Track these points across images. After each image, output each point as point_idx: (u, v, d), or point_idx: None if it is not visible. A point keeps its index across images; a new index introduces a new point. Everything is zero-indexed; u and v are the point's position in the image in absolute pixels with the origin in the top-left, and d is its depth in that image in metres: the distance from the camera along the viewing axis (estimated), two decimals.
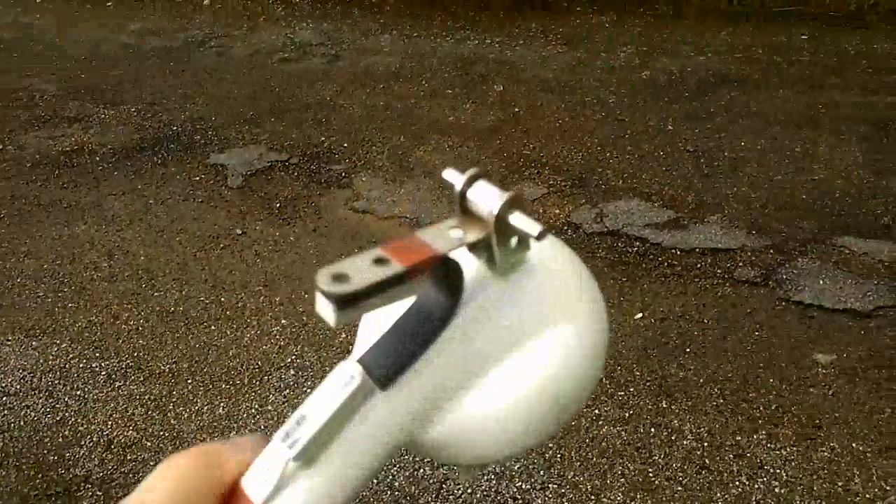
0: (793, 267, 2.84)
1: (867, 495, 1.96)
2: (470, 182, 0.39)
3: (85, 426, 2.40)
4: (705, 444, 2.14)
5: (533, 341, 0.40)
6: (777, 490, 1.99)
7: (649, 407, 2.28)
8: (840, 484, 1.99)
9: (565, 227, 3.18)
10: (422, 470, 2.13)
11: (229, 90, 4.94)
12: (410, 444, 0.39)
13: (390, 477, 2.12)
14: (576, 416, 0.38)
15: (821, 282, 2.75)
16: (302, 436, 0.35)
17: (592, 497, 2.02)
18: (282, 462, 0.35)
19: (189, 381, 2.53)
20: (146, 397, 2.49)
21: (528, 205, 0.38)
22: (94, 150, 4.21)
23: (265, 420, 2.32)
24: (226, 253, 3.20)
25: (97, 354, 2.69)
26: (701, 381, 2.36)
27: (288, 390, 2.41)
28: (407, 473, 2.13)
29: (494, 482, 2.08)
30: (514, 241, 0.39)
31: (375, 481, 2.10)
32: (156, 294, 2.98)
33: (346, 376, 0.36)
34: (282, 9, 6.67)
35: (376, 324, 0.41)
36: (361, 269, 0.34)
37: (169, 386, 2.52)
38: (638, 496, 2.01)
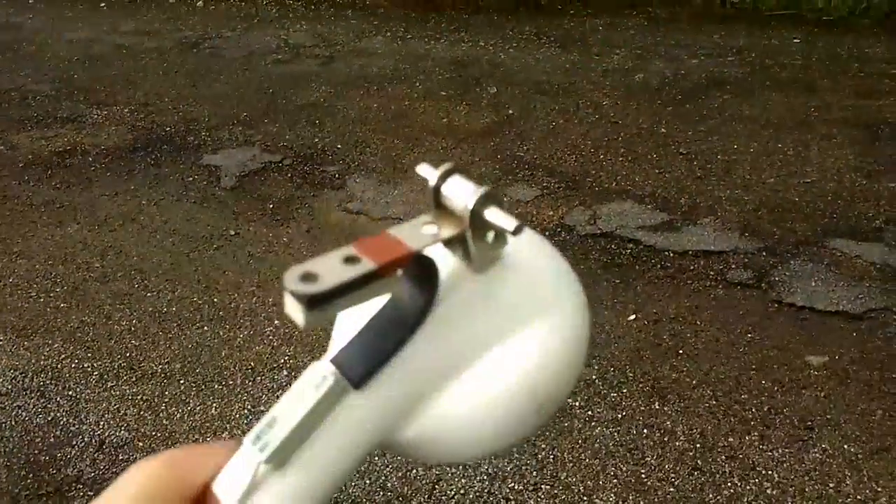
0: (785, 269, 2.85)
1: (858, 496, 1.96)
2: (444, 177, 0.38)
3: (77, 426, 2.40)
4: (698, 445, 2.15)
5: (510, 338, 0.39)
6: (769, 491, 2.00)
7: (642, 408, 2.29)
8: (832, 485, 2.00)
9: (559, 229, 3.19)
10: (415, 471, 2.13)
11: (223, 91, 4.93)
12: (386, 444, 0.38)
13: (383, 478, 2.12)
14: (556, 412, 0.38)
15: (813, 284, 2.76)
16: (273, 438, 0.34)
17: (585, 498, 2.02)
18: (253, 465, 0.34)
19: (181, 382, 2.53)
20: (138, 398, 2.48)
21: (503, 199, 0.37)
22: (87, 151, 4.20)
23: (258, 421, 2.31)
24: (219, 254, 3.19)
25: (89, 355, 2.68)
26: (694, 382, 2.37)
27: (281, 391, 2.41)
28: (400, 474, 2.12)
29: (487, 483, 2.08)
30: (490, 236, 0.38)
31: (368, 482, 2.10)
32: (148, 294, 2.97)
33: (318, 377, 0.35)
34: (276, 10, 6.66)
35: (351, 323, 0.40)
36: (331, 268, 0.33)
37: (161, 386, 2.52)
38: (630, 497, 2.01)
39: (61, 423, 2.42)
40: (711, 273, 2.86)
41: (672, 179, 3.51)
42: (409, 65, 5.16)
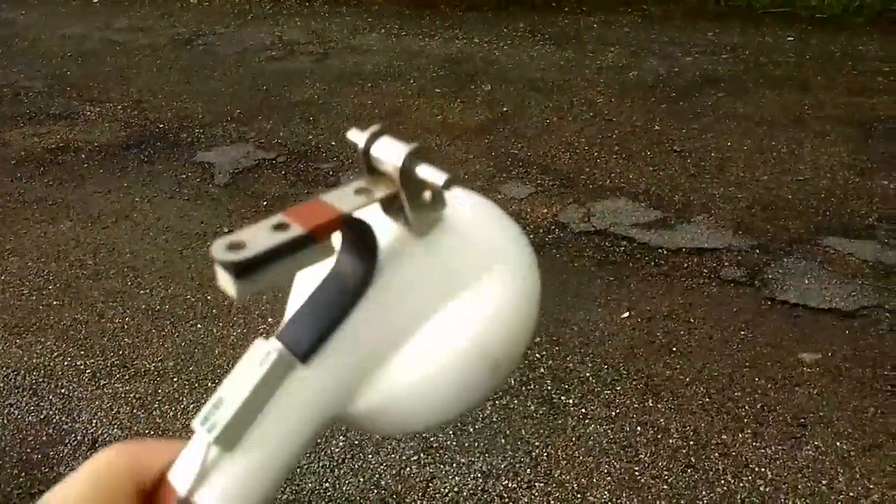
0: (778, 266, 2.86)
1: (851, 493, 1.97)
2: (373, 139, 0.38)
3: (69, 425, 2.39)
4: (691, 442, 2.15)
5: (458, 299, 0.38)
6: (762, 488, 2.00)
7: (635, 406, 2.29)
8: (824, 482, 2.01)
9: (553, 227, 3.19)
10: (408, 468, 2.13)
11: (217, 88, 4.92)
12: (340, 418, 0.37)
13: (377, 476, 2.12)
14: (510, 373, 0.38)
15: (806, 281, 2.76)
16: (220, 419, 0.33)
17: (578, 495, 2.02)
18: (203, 447, 0.33)
19: (175, 380, 2.52)
20: (131, 396, 2.47)
21: (434, 156, 0.37)
22: (80, 148, 4.19)
23: None
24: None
25: (82, 353, 2.68)
26: (687, 380, 2.37)
27: None
28: (393, 472, 2.12)
29: (481, 481, 2.08)
30: (426, 196, 0.38)
31: (362, 480, 2.10)
32: (141, 292, 2.96)
33: (262, 353, 0.35)
34: (270, 7, 6.65)
35: (302, 300, 0.39)
36: (259, 236, 0.32)
37: (154, 384, 2.51)
38: (624, 495, 2.02)
39: (54, 421, 2.41)
40: (705, 270, 2.87)
41: (666, 177, 3.51)
42: (403, 62, 5.15)
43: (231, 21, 6.31)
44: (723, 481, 2.03)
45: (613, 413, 2.27)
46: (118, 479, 0.35)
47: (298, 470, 2.15)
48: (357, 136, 0.38)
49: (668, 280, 2.83)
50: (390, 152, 0.37)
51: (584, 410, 2.29)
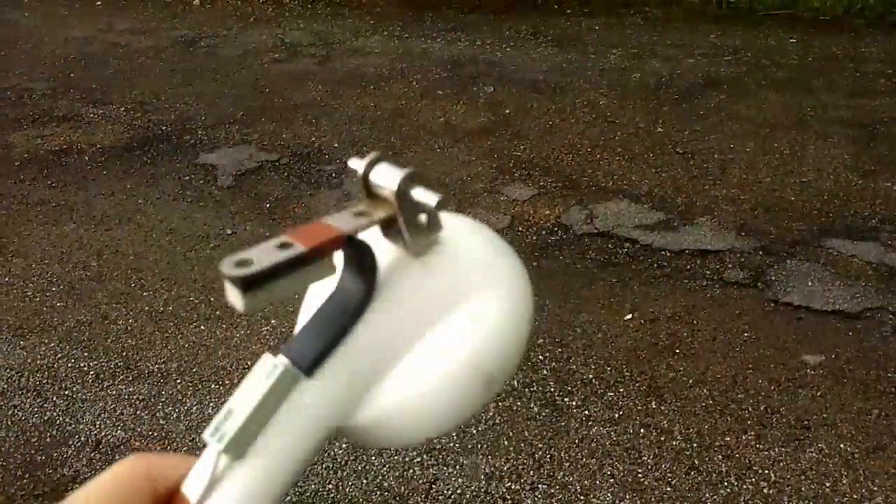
0: (782, 268, 2.85)
1: (854, 496, 1.97)
2: (371, 165, 0.40)
3: (73, 426, 2.39)
4: (694, 444, 2.15)
5: (453, 316, 0.40)
6: (765, 491, 2.00)
7: (639, 407, 2.29)
8: (828, 484, 2.00)
9: (555, 229, 3.19)
10: (411, 470, 2.13)
11: (219, 90, 4.92)
12: (343, 431, 0.39)
13: (380, 477, 2.12)
14: (504, 386, 0.40)
15: (809, 283, 2.76)
16: (229, 429, 0.35)
17: (582, 497, 2.02)
18: (213, 457, 0.35)
19: (178, 381, 2.52)
20: (135, 397, 2.48)
21: (428, 180, 0.39)
22: (83, 150, 4.19)
23: None
24: (216, 253, 3.18)
25: (85, 354, 2.68)
26: (690, 381, 2.37)
27: None
28: (397, 474, 2.13)
29: (484, 483, 2.08)
30: (422, 219, 0.40)
31: (365, 482, 2.10)
32: (145, 294, 2.97)
33: (269, 366, 0.37)
34: (272, 9, 6.65)
35: (308, 316, 0.41)
36: (264, 254, 0.34)
37: (158, 386, 2.51)
38: (627, 497, 2.01)
39: (57, 422, 2.41)
40: (708, 272, 2.87)
41: (668, 179, 3.51)
42: (405, 64, 5.15)
43: (234, 23, 6.32)
44: (726, 483, 2.03)
45: (616, 415, 2.27)
46: (137, 485, 0.36)
47: None
48: (357, 164, 0.41)
49: (671, 282, 2.83)
50: (387, 177, 0.39)
51: (587, 412, 2.29)
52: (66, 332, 2.79)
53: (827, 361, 2.41)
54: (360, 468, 2.15)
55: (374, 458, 2.18)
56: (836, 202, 3.24)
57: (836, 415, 2.21)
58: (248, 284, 0.33)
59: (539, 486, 2.06)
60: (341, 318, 0.39)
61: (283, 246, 0.35)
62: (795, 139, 3.78)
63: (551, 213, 3.30)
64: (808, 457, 2.09)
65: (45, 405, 2.48)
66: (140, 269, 3.13)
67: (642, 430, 2.21)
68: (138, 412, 2.42)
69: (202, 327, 2.76)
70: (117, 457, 2.27)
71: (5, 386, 2.57)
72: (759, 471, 2.06)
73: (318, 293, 0.42)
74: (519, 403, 2.32)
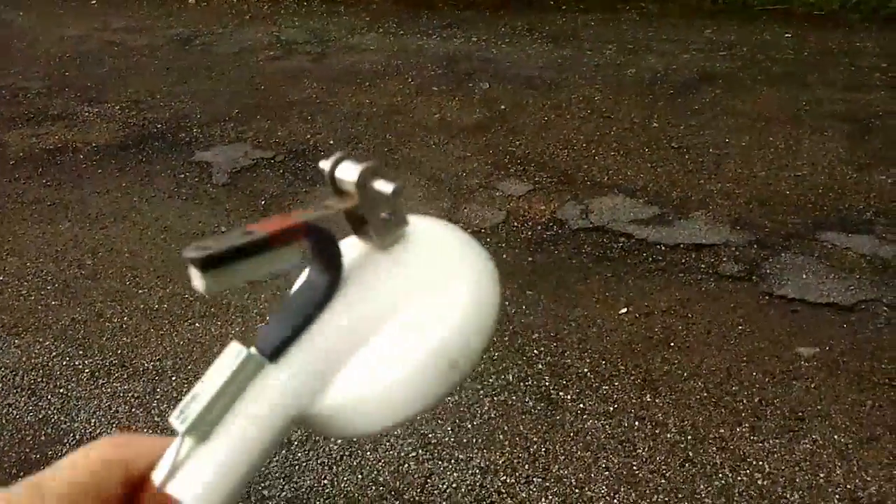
0: (776, 262, 2.86)
1: (848, 486, 1.97)
2: (336, 163, 0.43)
3: (68, 424, 2.39)
4: (689, 437, 2.15)
5: (418, 306, 0.42)
6: (760, 482, 2.00)
7: (633, 400, 2.29)
8: (822, 475, 2.01)
9: (551, 224, 3.19)
10: (406, 465, 2.13)
11: (215, 88, 4.92)
12: (307, 419, 0.39)
13: (375, 472, 2.12)
14: (468, 374, 0.40)
15: (804, 276, 2.76)
16: (192, 411, 0.36)
17: (577, 490, 2.02)
18: (178, 441, 0.36)
19: (173, 379, 2.52)
20: (130, 395, 2.48)
21: (387, 172, 0.42)
22: (79, 148, 4.19)
23: None
24: None
25: (80, 352, 2.68)
26: (685, 374, 2.37)
27: None
28: (392, 468, 2.13)
29: (479, 476, 2.08)
30: (385, 211, 0.43)
31: (360, 476, 2.10)
32: (140, 291, 2.97)
33: (234, 352, 0.38)
34: (268, 7, 6.65)
35: None
36: (226, 238, 0.36)
37: (153, 383, 2.51)
38: (622, 489, 2.02)
39: (52, 420, 2.41)
40: (703, 266, 2.87)
41: (664, 173, 3.52)
42: (401, 60, 5.15)
43: (229, 21, 6.31)
44: (721, 475, 2.03)
45: (611, 408, 2.27)
46: (109, 467, 0.37)
47: (297, 467, 2.15)
48: (324, 163, 0.43)
49: (666, 276, 2.83)
50: (349, 171, 0.42)
51: (582, 406, 2.29)
52: (60, 331, 2.79)
53: (821, 353, 2.41)
54: (355, 463, 2.15)
55: (369, 452, 2.18)
56: (830, 195, 3.25)
57: (830, 406, 2.22)
58: (205, 265, 0.34)
59: (534, 479, 2.07)
60: (307, 307, 0.40)
61: (246, 233, 0.36)
62: (790, 133, 3.79)
63: (546, 209, 3.30)
64: (802, 448, 2.09)
65: (40, 403, 2.48)
66: (135, 266, 3.12)
67: (637, 423, 2.21)
68: (133, 410, 2.42)
69: (197, 325, 2.76)
70: None
71: (0, 384, 2.56)
72: (754, 462, 2.06)
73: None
74: (514, 397, 2.33)
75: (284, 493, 2.09)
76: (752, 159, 3.58)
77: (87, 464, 0.37)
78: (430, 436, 2.21)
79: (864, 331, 2.50)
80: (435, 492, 2.05)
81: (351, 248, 0.44)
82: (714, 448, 2.11)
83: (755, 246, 2.95)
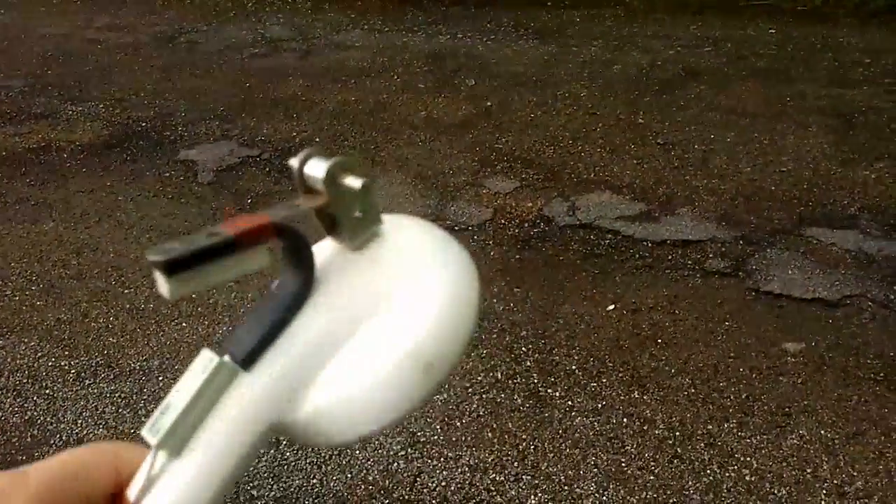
0: (762, 257, 2.87)
1: (835, 481, 1.99)
2: (305, 160, 0.40)
3: (54, 425, 2.37)
4: (677, 433, 2.16)
5: (394, 307, 0.40)
6: (748, 478, 2.01)
7: (621, 397, 2.30)
8: (809, 471, 2.02)
9: (538, 221, 3.19)
10: (395, 463, 2.13)
11: (199, 86, 4.89)
12: (284, 427, 0.38)
13: (364, 471, 2.12)
14: (447, 376, 0.39)
15: (790, 272, 2.78)
16: (164, 424, 0.35)
17: (566, 487, 2.03)
18: (151, 455, 0.35)
19: (160, 379, 2.51)
20: (116, 395, 2.46)
21: (357, 167, 0.40)
22: (62, 147, 4.16)
23: None
24: None
25: (66, 353, 2.66)
26: (672, 371, 2.38)
27: None
28: (381, 467, 2.12)
29: (468, 474, 2.08)
30: (356, 210, 0.41)
31: (349, 475, 2.10)
32: (126, 291, 2.95)
33: (205, 361, 0.36)
34: (252, 4, 6.61)
35: None
36: (190, 240, 0.34)
37: (140, 383, 2.50)
38: (611, 486, 2.02)
39: (38, 422, 2.39)
40: (689, 262, 2.88)
41: (650, 170, 3.53)
42: (386, 58, 5.14)
43: (213, 18, 6.28)
44: (709, 471, 2.04)
45: (599, 405, 2.28)
46: (101, 469, 0.36)
47: (286, 466, 2.14)
48: (293, 160, 0.41)
49: (652, 272, 2.84)
50: (318, 168, 0.40)
51: (570, 403, 2.29)
52: (46, 331, 2.77)
53: (807, 349, 2.43)
54: (344, 462, 2.14)
55: (358, 451, 2.17)
56: (815, 191, 3.27)
57: (816, 401, 2.23)
58: (170, 268, 0.33)
59: (523, 477, 2.07)
60: (279, 312, 0.39)
61: (212, 234, 0.35)
62: (775, 129, 3.80)
63: (533, 206, 3.30)
64: (789, 443, 2.10)
65: (26, 405, 2.46)
66: (120, 266, 3.10)
67: (625, 420, 2.22)
68: (120, 410, 2.41)
69: (184, 324, 2.75)
70: None
71: None
72: (742, 458, 2.07)
73: None
74: (502, 395, 2.33)
75: (273, 493, 2.08)
76: (738, 155, 3.59)
77: (74, 460, 0.36)
78: (418, 434, 2.21)
79: (850, 326, 2.51)
80: (424, 490, 2.05)
81: (323, 248, 0.42)
82: (702, 444, 2.12)
83: (741, 242, 2.97)
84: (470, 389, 2.35)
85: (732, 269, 2.83)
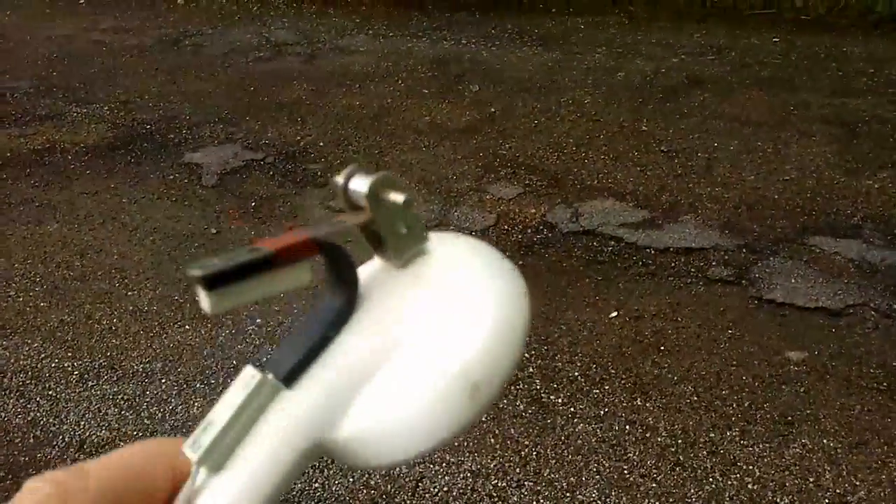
0: (765, 266, 2.87)
1: (838, 490, 1.99)
2: (349, 177, 0.40)
3: (57, 426, 2.38)
4: (679, 441, 2.16)
5: (439, 327, 0.39)
6: (750, 486, 2.01)
7: (624, 404, 2.30)
8: (811, 480, 2.02)
9: (541, 227, 3.20)
10: (397, 468, 2.13)
11: (204, 89, 4.90)
12: (325, 447, 0.38)
13: (366, 475, 2.12)
14: (494, 400, 0.38)
15: (793, 280, 2.78)
16: (205, 440, 0.34)
17: (568, 494, 2.03)
18: (193, 468, 0.34)
19: (163, 381, 2.51)
20: (119, 397, 2.46)
21: (399, 183, 0.39)
22: (67, 149, 4.17)
23: None
24: (200, 252, 3.17)
25: (69, 354, 2.66)
26: (675, 378, 2.38)
27: None
28: (383, 472, 2.12)
29: (470, 480, 2.08)
30: (402, 227, 0.40)
31: (351, 480, 2.10)
32: (129, 293, 2.95)
33: (248, 377, 0.36)
34: (257, 7, 6.63)
35: None
36: (230, 256, 0.34)
37: (143, 385, 2.50)
38: (613, 493, 2.02)
39: (41, 423, 2.40)
40: (692, 270, 2.88)
41: (653, 177, 3.53)
42: (391, 62, 5.15)
43: (218, 22, 6.29)
44: (711, 479, 2.04)
45: (602, 412, 2.28)
46: (162, 466, 0.36)
47: None
48: (337, 177, 0.41)
49: (655, 280, 2.84)
50: (361, 183, 0.39)
51: (572, 409, 2.29)
52: (49, 332, 2.77)
53: (810, 358, 2.43)
54: (346, 466, 2.14)
55: None
56: (818, 200, 3.27)
57: (819, 410, 2.23)
58: (210, 283, 0.33)
59: (525, 483, 2.07)
60: (322, 329, 0.38)
61: (253, 250, 0.35)
62: (778, 137, 3.81)
63: (537, 212, 3.30)
64: (791, 452, 2.10)
65: (29, 406, 2.46)
66: (124, 268, 3.11)
67: (627, 427, 2.22)
68: (123, 412, 2.41)
69: (187, 327, 2.75)
70: None
71: None
72: (744, 466, 2.07)
73: None
74: (505, 401, 2.33)
75: None
76: (741, 163, 3.60)
77: (135, 458, 0.36)
78: None
79: (853, 335, 2.51)
80: (426, 495, 2.05)
81: (370, 266, 0.42)
82: (704, 452, 2.12)
83: (744, 250, 2.97)
84: None
85: (735, 277, 2.83)
